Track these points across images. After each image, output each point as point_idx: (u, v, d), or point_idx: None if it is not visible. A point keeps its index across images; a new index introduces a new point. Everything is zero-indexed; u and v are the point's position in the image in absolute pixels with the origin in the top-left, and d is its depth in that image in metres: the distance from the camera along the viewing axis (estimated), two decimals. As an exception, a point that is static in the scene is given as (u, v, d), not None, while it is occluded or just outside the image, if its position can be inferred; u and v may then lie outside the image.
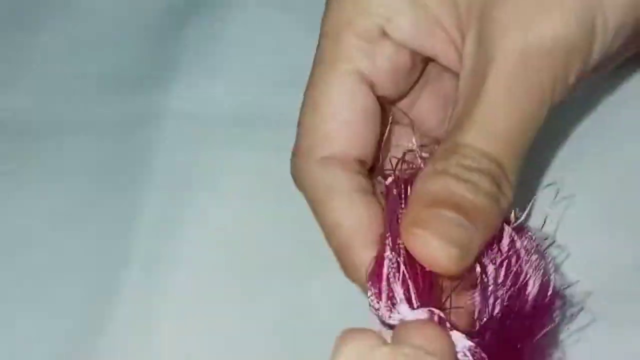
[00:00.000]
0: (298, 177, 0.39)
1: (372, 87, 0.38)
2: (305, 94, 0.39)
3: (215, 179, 0.48)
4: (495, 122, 0.34)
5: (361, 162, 0.38)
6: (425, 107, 0.41)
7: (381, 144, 0.39)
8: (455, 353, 0.33)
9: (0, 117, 0.52)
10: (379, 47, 0.38)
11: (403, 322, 0.33)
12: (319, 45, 0.39)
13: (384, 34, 0.38)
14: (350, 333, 0.31)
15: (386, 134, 0.39)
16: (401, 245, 0.34)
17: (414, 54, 0.39)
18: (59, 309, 0.45)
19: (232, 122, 0.50)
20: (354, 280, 0.37)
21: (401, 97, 0.40)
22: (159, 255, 0.46)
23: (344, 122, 0.38)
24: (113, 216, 0.47)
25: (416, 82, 0.41)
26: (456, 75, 0.38)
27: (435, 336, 0.32)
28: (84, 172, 0.50)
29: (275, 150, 0.49)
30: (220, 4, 0.55)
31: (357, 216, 0.37)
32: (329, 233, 0.37)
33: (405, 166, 0.38)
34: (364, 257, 0.36)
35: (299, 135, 0.39)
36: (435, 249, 0.33)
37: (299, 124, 0.39)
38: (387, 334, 0.33)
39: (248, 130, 0.50)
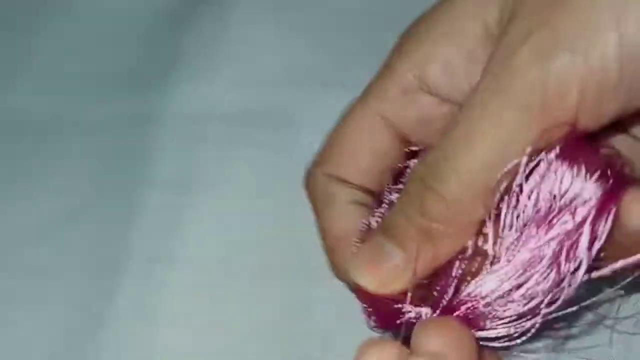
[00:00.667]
0: (306, 183, 0.42)
1: (398, 132, 0.39)
2: (345, 112, 0.41)
3: (215, 178, 0.48)
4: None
5: (365, 188, 0.40)
6: None
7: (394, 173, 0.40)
8: (477, 347, 0.34)
9: (0, 117, 0.53)
10: (414, 99, 0.39)
11: (422, 324, 0.35)
12: (374, 76, 0.41)
13: (423, 85, 0.38)
14: (373, 343, 0.34)
15: None
16: None
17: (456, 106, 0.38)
18: (59, 308, 0.45)
19: (232, 122, 0.50)
20: (339, 278, 0.41)
21: None
22: (158, 255, 0.46)
23: (355, 158, 0.40)
24: (113, 216, 0.47)
25: None
26: None
27: (455, 339, 0.34)
28: (84, 172, 0.50)
29: (275, 150, 0.49)
30: (220, 4, 0.55)
31: (345, 223, 0.40)
32: (322, 235, 0.41)
33: None
34: (346, 259, 0.38)
35: (323, 146, 0.41)
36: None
37: (328, 135, 0.41)
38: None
39: (248, 130, 0.50)
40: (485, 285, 0.34)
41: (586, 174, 0.34)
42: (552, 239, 0.33)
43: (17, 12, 0.57)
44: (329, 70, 0.53)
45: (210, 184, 0.48)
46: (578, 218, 0.33)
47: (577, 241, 0.33)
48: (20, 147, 0.51)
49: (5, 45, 0.56)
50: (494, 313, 0.34)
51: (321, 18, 0.55)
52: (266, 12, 0.55)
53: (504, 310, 0.34)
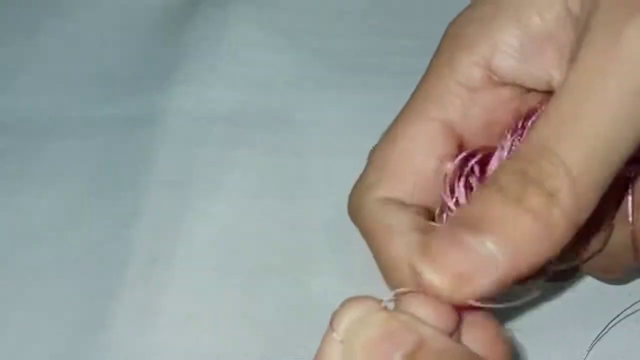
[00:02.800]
0: (355, 210, 0.37)
1: (459, 138, 0.36)
2: (389, 127, 0.37)
3: (215, 178, 0.48)
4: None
5: (424, 208, 0.36)
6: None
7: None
8: (459, 326, 0.31)
9: (0, 117, 0.53)
10: (480, 98, 0.35)
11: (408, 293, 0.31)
12: (420, 80, 0.37)
13: (488, 78, 0.35)
14: (348, 301, 0.30)
15: None
16: None
17: (514, 89, 0.35)
18: (59, 308, 0.45)
19: (232, 122, 0.51)
20: None
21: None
22: (159, 255, 0.46)
23: (416, 170, 0.35)
24: (113, 216, 0.47)
25: None
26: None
27: (435, 307, 0.30)
28: (84, 172, 0.50)
29: (275, 150, 0.49)
30: (220, 4, 0.55)
31: (408, 254, 0.33)
32: (388, 272, 0.35)
33: None
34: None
35: (367, 167, 0.37)
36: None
37: (370, 154, 0.37)
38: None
39: (248, 130, 0.50)
40: None
41: None
42: None
43: (18, 12, 0.57)
44: (328, 71, 0.53)
45: (210, 184, 0.48)
46: None
47: None
48: (20, 147, 0.51)
49: (5, 45, 0.56)
50: None
51: (321, 19, 0.55)
52: (266, 12, 0.55)
53: None
